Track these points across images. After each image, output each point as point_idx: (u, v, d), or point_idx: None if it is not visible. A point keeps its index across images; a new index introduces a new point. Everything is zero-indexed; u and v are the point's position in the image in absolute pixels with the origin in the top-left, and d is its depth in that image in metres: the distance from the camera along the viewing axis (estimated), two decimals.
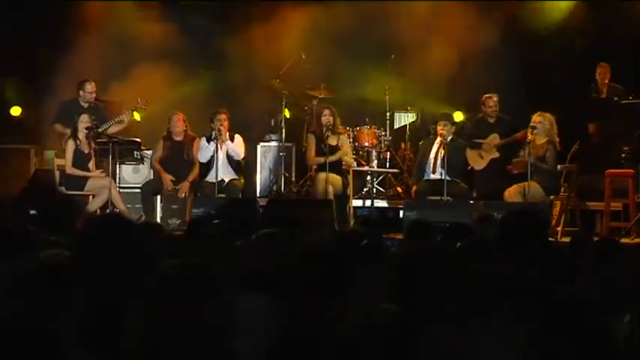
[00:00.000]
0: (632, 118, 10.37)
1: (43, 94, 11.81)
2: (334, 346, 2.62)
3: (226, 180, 10.34)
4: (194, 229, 5.46)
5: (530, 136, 9.69)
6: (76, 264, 3.17)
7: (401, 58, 11.74)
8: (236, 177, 10.49)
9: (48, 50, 11.84)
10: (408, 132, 11.85)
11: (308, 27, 11.81)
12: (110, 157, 10.12)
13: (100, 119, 10.45)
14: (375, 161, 11.30)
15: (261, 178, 11.85)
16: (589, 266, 4.53)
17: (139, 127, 11.12)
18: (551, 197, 9.81)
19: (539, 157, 9.72)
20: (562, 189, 10.07)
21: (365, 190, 11.11)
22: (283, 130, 11.65)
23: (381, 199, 11.07)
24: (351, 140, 11.07)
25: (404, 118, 12.05)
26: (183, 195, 10.36)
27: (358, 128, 11.24)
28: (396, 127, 11.98)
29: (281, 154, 11.58)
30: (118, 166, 10.74)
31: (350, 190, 10.49)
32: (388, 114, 11.61)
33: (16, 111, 12.27)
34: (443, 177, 9.94)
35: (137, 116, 10.81)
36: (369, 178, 11.20)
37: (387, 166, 11.49)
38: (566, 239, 7.90)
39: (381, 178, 11.42)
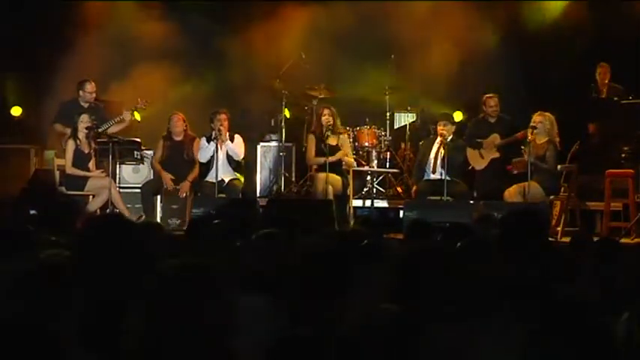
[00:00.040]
0: (632, 118, 10.36)
1: (43, 94, 11.81)
2: (334, 346, 2.62)
3: (226, 180, 10.34)
4: (194, 229, 5.46)
5: (530, 136, 9.69)
6: (76, 264, 3.17)
7: (401, 58, 11.73)
8: (236, 177, 10.49)
9: (48, 50, 11.84)
10: (408, 132, 11.84)
11: (308, 27, 11.81)
12: (110, 157, 10.12)
13: (100, 119, 10.45)
14: (375, 161, 11.29)
15: (261, 178, 11.85)
16: (589, 266, 4.53)
17: (139, 127, 11.12)
18: (551, 197, 9.81)
19: (539, 157, 9.72)
20: (562, 189, 10.07)
21: (365, 190, 11.11)
22: (283, 130, 11.64)
23: (381, 199, 11.07)
24: (351, 140, 11.07)
25: (404, 118, 12.04)
26: (184, 195, 10.37)
27: (358, 128, 11.24)
28: (396, 127, 11.97)
29: (281, 154, 11.58)
30: (118, 166, 10.74)
31: (350, 190, 10.49)
32: (388, 114, 11.61)
33: (16, 111, 12.28)
34: (443, 177, 9.94)
35: (137, 116, 10.81)
36: (369, 178, 11.20)
37: (387, 166, 11.48)
38: (566, 239, 7.90)
39: (381, 178, 11.42)
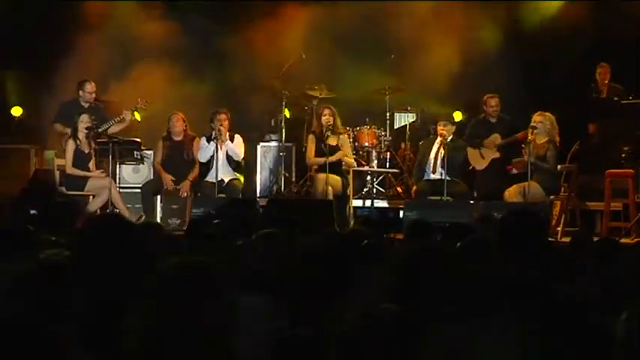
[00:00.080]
0: (632, 118, 10.37)
1: (44, 94, 11.81)
2: (334, 346, 2.62)
3: (226, 180, 10.35)
4: (194, 229, 5.46)
5: (530, 136, 9.69)
6: (76, 264, 3.17)
7: (401, 58, 11.73)
8: (236, 177, 10.49)
9: (48, 50, 11.84)
10: (408, 132, 11.84)
11: (308, 27, 11.80)
12: (110, 157, 10.11)
13: (101, 119, 10.45)
14: (375, 161, 11.29)
15: (261, 178, 11.84)
16: (589, 266, 4.52)
17: (139, 127, 11.12)
18: (551, 197, 9.81)
19: (539, 157, 9.72)
20: (562, 189, 10.07)
21: (365, 190, 11.11)
22: (283, 130, 11.64)
23: (381, 199, 11.07)
24: (351, 140, 11.07)
25: (404, 118, 12.04)
26: (184, 194, 10.37)
27: (358, 128, 11.24)
28: (396, 127, 11.97)
29: (281, 154, 11.58)
30: (118, 166, 10.74)
31: (350, 191, 10.49)
32: (388, 114, 11.61)
33: (17, 111, 12.27)
34: (443, 177, 9.94)
35: (137, 116, 10.80)
36: (369, 178, 11.20)
37: (387, 166, 11.48)
38: (566, 239, 7.90)
39: (381, 178, 11.42)
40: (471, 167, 10.69)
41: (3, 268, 3.18)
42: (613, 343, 2.60)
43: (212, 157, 10.27)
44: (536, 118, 9.81)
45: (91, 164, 10.22)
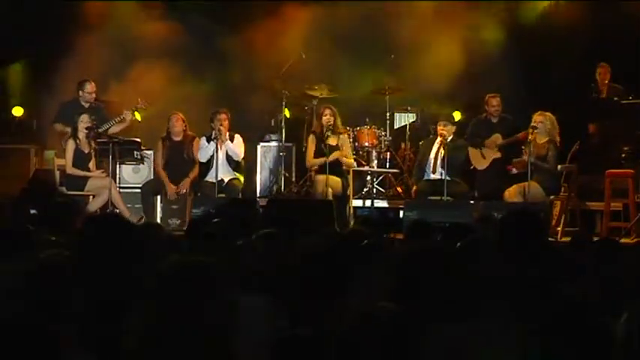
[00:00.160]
0: (632, 118, 10.36)
1: (43, 94, 11.81)
2: (334, 346, 2.62)
3: (226, 180, 10.35)
4: (194, 229, 5.46)
5: (531, 136, 9.69)
6: (76, 264, 3.17)
7: (401, 58, 11.73)
8: (235, 177, 10.49)
9: (48, 50, 11.84)
10: (408, 132, 11.83)
11: (308, 27, 11.80)
12: (110, 157, 10.11)
13: (101, 119, 10.45)
14: (375, 161, 11.29)
15: (261, 178, 11.84)
16: (589, 266, 4.53)
17: (139, 127, 11.11)
18: (551, 197, 9.80)
19: (540, 157, 9.71)
20: (562, 189, 10.07)
21: (365, 190, 11.11)
22: (283, 130, 11.64)
23: (381, 199, 11.06)
24: (351, 140, 11.06)
25: (404, 118, 12.04)
26: (184, 191, 10.37)
27: (358, 128, 11.23)
28: (396, 127, 11.97)
29: (281, 154, 11.58)
30: (118, 166, 10.73)
31: (350, 191, 10.48)
32: (388, 114, 11.60)
33: (18, 111, 12.26)
34: (443, 177, 9.94)
35: (138, 116, 10.80)
36: (369, 178, 11.19)
37: (387, 166, 11.48)
38: (566, 239, 7.89)
39: (381, 178, 11.42)
40: (472, 167, 10.68)
41: (3, 268, 3.18)
42: (613, 343, 2.60)
43: (212, 157, 10.27)
44: (537, 118, 9.80)
45: (91, 164, 10.22)
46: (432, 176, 10.25)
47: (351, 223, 9.84)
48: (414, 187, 10.45)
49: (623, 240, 8.61)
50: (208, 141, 10.35)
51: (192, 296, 2.50)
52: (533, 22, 11.79)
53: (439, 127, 10.24)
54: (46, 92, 11.72)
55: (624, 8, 11.50)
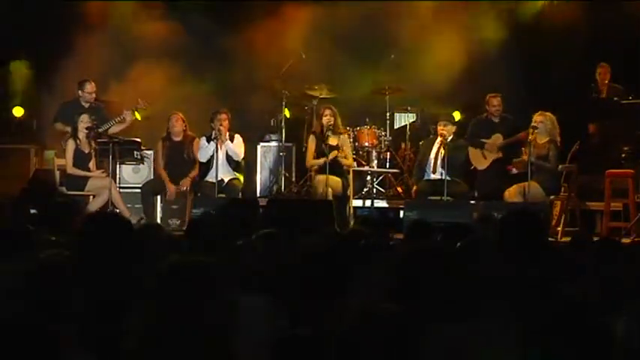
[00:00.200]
0: (632, 118, 10.37)
1: (44, 94, 11.81)
2: (334, 346, 2.62)
3: (226, 180, 10.35)
4: (194, 229, 5.45)
5: (531, 136, 9.69)
6: (76, 264, 3.17)
7: (401, 57, 11.73)
8: (235, 177, 10.49)
9: (48, 50, 11.83)
10: (408, 132, 11.83)
11: (308, 27, 11.80)
12: (110, 157, 10.11)
13: (101, 119, 10.45)
14: (375, 161, 11.29)
15: (261, 178, 11.84)
16: (589, 266, 4.52)
17: (139, 127, 11.11)
18: (551, 197, 9.80)
19: (541, 157, 9.71)
20: (562, 189, 10.07)
21: (365, 190, 11.11)
22: (283, 130, 11.64)
23: (381, 199, 11.06)
24: (351, 140, 11.06)
25: (404, 118, 12.04)
26: (185, 188, 10.37)
27: (358, 128, 11.23)
28: (396, 127, 11.97)
29: (281, 154, 11.58)
30: (118, 166, 10.73)
31: (350, 191, 10.48)
32: (388, 114, 11.60)
33: (18, 112, 12.26)
34: (443, 177, 9.94)
35: (138, 116, 10.80)
36: (369, 178, 11.19)
37: (387, 166, 11.48)
38: (566, 239, 7.89)
39: (381, 178, 11.42)
40: (472, 167, 10.68)
41: (3, 268, 3.18)
42: (613, 343, 2.60)
43: (212, 157, 10.27)
44: (537, 118, 9.80)
45: (91, 164, 10.22)
46: (432, 176, 10.25)
47: (351, 223, 9.84)
48: (414, 187, 10.44)
49: (623, 240, 8.62)
50: (208, 141, 10.35)
51: (192, 296, 2.50)
52: (533, 21, 11.78)
53: (439, 127, 10.24)
54: (47, 92, 11.72)
55: (624, 8, 11.50)
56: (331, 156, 10.36)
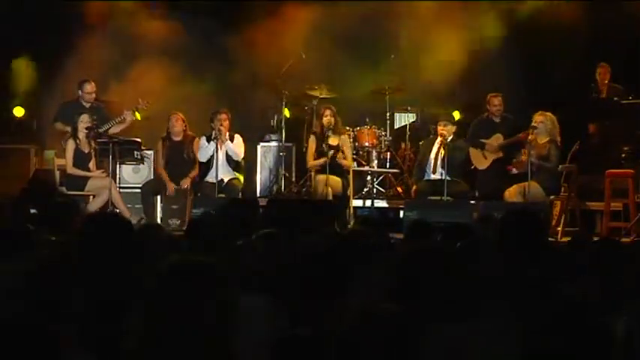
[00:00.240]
0: (632, 118, 10.37)
1: (44, 94, 11.81)
2: (334, 346, 2.62)
3: (226, 180, 10.35)
4: (194, 229, 5.45)
5: (531, 136, 9.69)
6: (76, 264, 3.17)
7: (401, 58, 11.73)
8: (235, 177, 10.49)
9: (49, 50, 11.83)
10: (408, 132, 11.83)
11: (309, 27, 11.80)
12: (110, 157, 10.10)
13: (101, 119, 10.45)
14: (375, 161, 11.29)
15: (261, 178, 11.84)
16: (589, 266, 4.52)
17: (139, 127, 11.11)
18: (552, 197, 9.80)
19: (542, 157, 9.71)
20: (562, 189, 10.07)
21: (365, 190, 11.10)
22: (283, 130, 11.64)
23: (381, 199, 11.06)
24: (351, 140, 11.06)
25: (404, 118, 12.04)
26: (185, 186, 10.37)
27: (358, 128, 11.23)
28: (396, 127, 11.97)
29: (281, 154, 11.58)
30: (118, 166, 10.73)
31: (350, 191, 10.48)
32: (388, 114, 11.60)
33: (19, 112, 12.25)
34: (443, 177, 9.94)
35: (138, 116, 10.79)
36: (369, 178, 11.19)
37: (387, 166, 11.48)
38: (566, 239, 7.89)
39: (381, 178, 11.42)
40: (472, 167, 10.68)
41: (3, 268, 3.18)
42: (613, 343, 2.60)
43: (212, 157, 10.27)
44: (537, 118, 9.80)
45: (91, 164, 10.22)
46: (432, 176, 10.25)
47: (351, 223, 9.84)
48: (414, 187, 10.45)
49: (623, 240, 8.61)
50: (208, 141, 10.35)
51: (192, 296, 2.50)
52: (533, 21, 11.77)
53: (439, 127, 10.24)
54: (47, 92, 11.72)
55: (624, 8, 11.50)
56: (330, 154, 10.35)
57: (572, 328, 2.53)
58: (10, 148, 11.65)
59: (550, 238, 8.65)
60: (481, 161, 10.67)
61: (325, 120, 10.55)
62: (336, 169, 10.40)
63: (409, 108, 11.96)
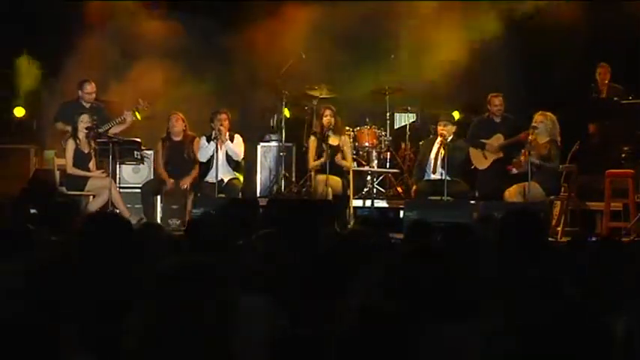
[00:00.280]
0: (632, 118, 10.37)
1: (44, 94, 11.80)
2: (334, 346, 2.62)
3: (226, 180, 10.35)
4: (194, 229, 5.46)
5: (531, 136, 9.69)
6: (76, 264, 3.17)
7: (401, 58, 11.73)
8: (235, 177, 10.49)
9: (49, 50, 11.83)
10: (408, 132, 11.84)
11: (309, 27, 11.79)
12: (110, 157, 10.10)
13: (102, 119, 10.45)
14: (375, 161, 11.29)
15: (261, 178, 11.84)
16: (589, 266, 4.52)
17: (139, 127, 11.11)
18: (551, 197, 9.80)
19: (542, 157, 9.71)
20: (562, 189, 10.07)
21: (365, 190, 11.10)
22: (283, 130, 11.64)
23: (381, 199, 11.06)
24: (352, 140, 11.06)
25: (404, 118, 12.04)
26: (185, 186, 10.37)
27: (358, 128, 11.23)
28: (396, 127, 11.97)
29: (281, 154, 11.58)
30: (118, 166, 10.72)
31: (350, 191, 10.47)
32: (388, 114, 11.60)
33: (19, 112, 12.25)
34: (443, 177, 9.94)
35: (138, 116, 10.79)
36: (369, 178, 11.19)
37: (387, 166, 11.48)
38: (567, 239, 7.89)
39: (381, 178, 11.42)
40: (472, 167, 10.68)
41: (3, 268, 3.18)
42: (613, 343, 2.60)
43: (212, 157, 10.27)
44: (538, 118, 9.80)
45: (91, 164, 10.21)
46: (432, 176, 10.25)
47: (351, 223, 9.84)
48: (414, 187, 10.45)
49: (623, 240, 8.61)
50: (208, 141, 10.35)
51: (192, 296, 2.50)
52: (533, 21, 11.77)
53: (439, 127, 10.24)
54: (47, 92, 11.72)
55: (624, 8, 11.49)
56: (327, 154, 10.35)
57: (572, 328, 2.53)
58: (10, 148, 11.65)
59: (550, 238, 8.65)
60: (481, 161, 10.67)
61: (325, 120, 10.55)
62: (336, 169, 10.40)
63: (409, 108, 11.96)
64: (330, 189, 10.13)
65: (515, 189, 9.71)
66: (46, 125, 11.36)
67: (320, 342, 2.88)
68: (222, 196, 10.03)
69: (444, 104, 11.59)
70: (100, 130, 10.25)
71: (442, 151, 10.12)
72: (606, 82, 11.07)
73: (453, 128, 10.26)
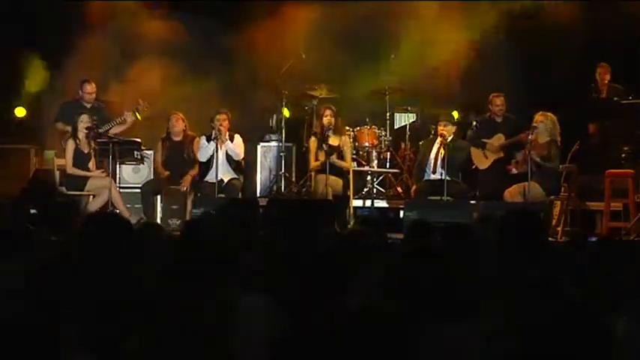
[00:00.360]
0: (632, 118, 10.37)
1: (45, 94, 11.81)
2: (334, 345, 2.62)
3: (225, 180, 10.35)
4: (193, 229, 5.46)
5: (531, 136, 9.69)
6: (76, 264, 3.17)
7: (401, 58, 11.73)
8: (235, 177, 10.50)
9: (50, 50, 11.83)
10: (408, 132, 11.83)
11: (309, 27, 11.80)
12: (110, 157, 10.10)
13: (102, 119, 10.45)
14: (375, 161, 11.29)
15: (261, 178, 11.84)
16: (589, 266, 4.53)
17: (139, 127, 11.11)
18: (551, 197, 9.81)
19: (542, 157, 9.71)
20: (562, 189, 10.07)
21: (365, 190, 11.10)
22: (283, 130, 11.64)
23: (381, 199, 11.06)
24: (352, 140, 11.06)
25: (404, 118, 12.04)
26: (185, 188, 10.37)
27: (358, 128, 11.23)
28: (396, 127, 11.97)
29: (281, 154, 11.58)
30: (118, 166, 10.73)
31: (350, 191, 10.47)
32: (388, 114, 11.60)
33: (20, 112, 12.24)
34: (443, 177, 9.94)
35: (139, 116, 10.79)
36: (369, 178, 11.19)
37: (387, 166, 11.48)
38: (567, 239, 7.90)
39: (381, 178, 11.42)
40: (473, 166, 10.68)
41: (3, 268, 3.18)
42: (613, 343, 2.60)
43: (212, 156, 10.27)
44: (538, 118, 9.81)
45: (91, 164, 10.22)
46: (432, 176, 10.25)
47: (351, 223, 9.84)
48: (414, 187, 10.45)
49: (623, 240, 8.61)
50: (208, 140, 10.35)
51: (192, 296, 2.50)
52: (533, 21, 11.77)
53: (439, 127, 10.25)
54: (48, 92, 11.72)
55: (624, 8, 11.49)
56: (331, 158, 10.36)
57: (572, 328, 2.53)
58: (10, 148, 11.66)
59: (550, 238, 8.66)
60: (482, 161, 10.67)
61: (325, 120, 10.55)
62: (336, 168, 10.40)
63: (409, 108, 11.96)
64: (330, 189, 10.13)
65: (515, 189, 9.71)
66: (46, 125, 11.36)
67: (320, 342, 2.88)
68: (222, 196, 10.03)
69: (444, 104, 11.59)
70: (101, 131, 10.25)
71: (442, 151, 10.12)
72: (606, 82, 11.07)
73: (453, 128, 10.26)
